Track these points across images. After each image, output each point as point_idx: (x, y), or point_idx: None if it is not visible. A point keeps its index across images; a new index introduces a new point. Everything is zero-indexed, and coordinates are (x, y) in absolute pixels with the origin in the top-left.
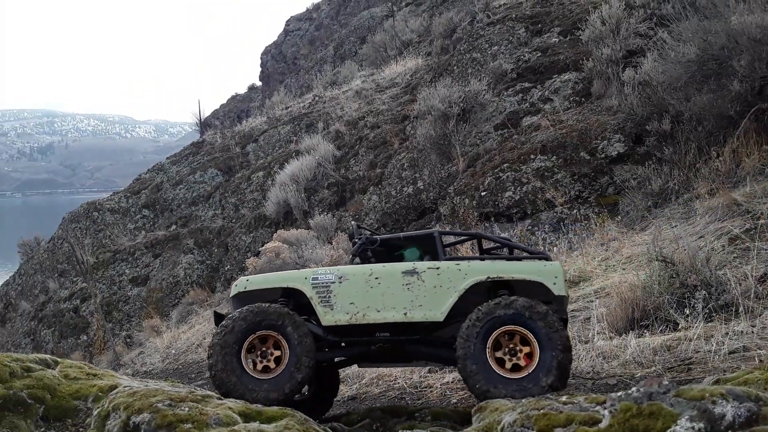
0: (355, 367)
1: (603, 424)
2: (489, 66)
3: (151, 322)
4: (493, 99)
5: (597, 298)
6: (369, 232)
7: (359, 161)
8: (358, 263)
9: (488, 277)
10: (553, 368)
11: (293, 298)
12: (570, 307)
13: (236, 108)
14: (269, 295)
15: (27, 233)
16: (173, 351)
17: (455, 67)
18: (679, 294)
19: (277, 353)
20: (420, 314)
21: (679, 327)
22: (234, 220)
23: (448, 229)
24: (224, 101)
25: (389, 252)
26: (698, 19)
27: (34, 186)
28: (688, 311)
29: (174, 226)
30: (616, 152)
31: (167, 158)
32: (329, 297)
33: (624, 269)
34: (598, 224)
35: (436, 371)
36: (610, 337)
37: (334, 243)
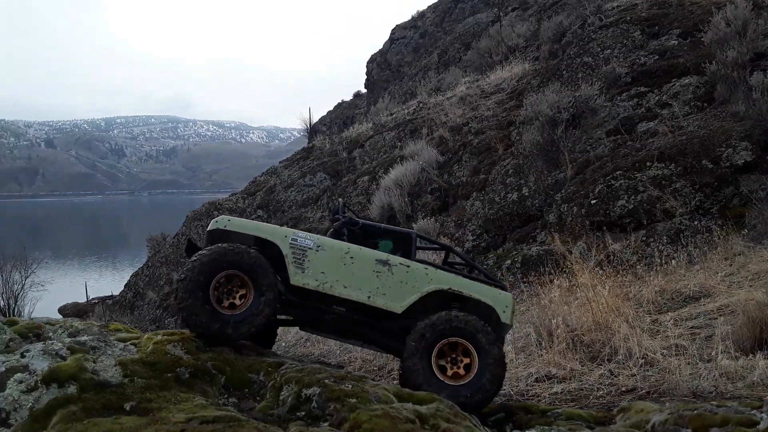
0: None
1: (762, 426)
2: (601, 70)
3: None
4: (605, 104)
5: (720, 316)
6: (352, 214)
7: (462, 167)
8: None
9: (450, 288)
10: (482, 388)
11: (265, 250)
12: (689, 323)
13: (342, 114)
14: (242, 240)
15: (154, 229)
16: (283, 344)
17: (564, 72)
18: None
19: (242, 292)
20: (382, 302)
21: None
22: None
23: (424, 234)
24: (331, 108)
25: (365, 237)
26: None
27: (159, 186)
28: None
29: (285, 227)
30: (742, 161)
31: (280, 162)
32: (303, 260)
33: (751, 286)
34: (721, 237)
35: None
36: (736, 357)
37: None
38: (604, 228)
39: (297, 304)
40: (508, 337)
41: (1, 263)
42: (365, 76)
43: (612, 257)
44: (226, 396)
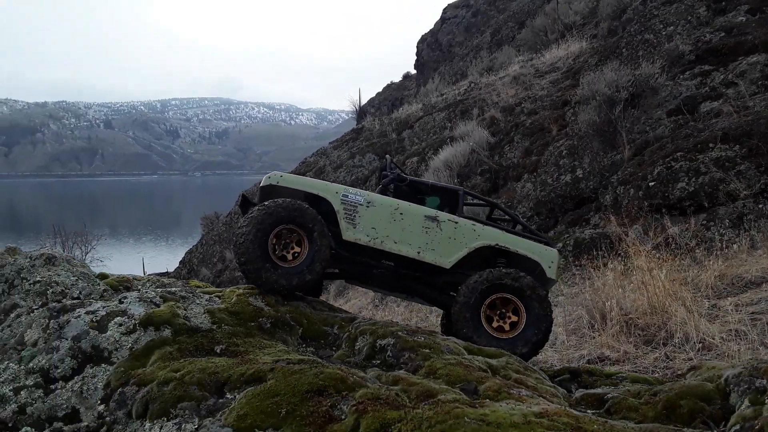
0: None
1: None
2: (663, 48)
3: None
4: (666, 83)
5: None
6: (399, 170)
7: (514, 148)
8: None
9: (497, 244)
10: (529, 343)
11: (315, 205)
12: (750, 308)
13: (391, 96)
14: (294, 195)
15: (207, 208)
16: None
17: (624, 50)
18: None
19: (297, 249)
20: (431, 257)
21: None
22: None
23: (470, 191)
24: (380, 89)
25: (412, 194)
26: None
27: (211, 167)
28: None
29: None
30: None
31: (330, 143)
32: (354, 216)
33: None
34: None
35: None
36: None
37: None
38: (663, 211)
39: (347, 258)
40: (559, 318)
41: (63, 239)
42: (415, 57)
43: (670, 241)
44: (303, 346)
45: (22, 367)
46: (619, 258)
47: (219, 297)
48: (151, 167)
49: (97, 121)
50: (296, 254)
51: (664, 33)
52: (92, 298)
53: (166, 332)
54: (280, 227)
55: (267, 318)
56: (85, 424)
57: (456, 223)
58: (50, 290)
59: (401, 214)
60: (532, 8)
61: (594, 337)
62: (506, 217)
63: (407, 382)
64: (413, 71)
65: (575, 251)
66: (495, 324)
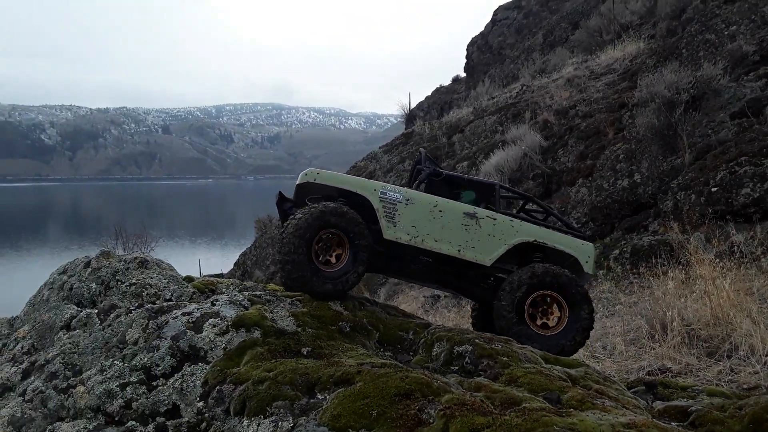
0: None
1: None
2: (726, 48)
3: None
4: (729, 84)
5: None
6: (434, 164)
7: (568, 152)
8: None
9: (535, 240)
10: (574, 337)
11: (351, 201)
12: None
13: (440, 100)
14: (330, 192)
15: (260, 211)
16: None
17: (684, 50)
18: None
19: (339, 251)
20: (471, 255)
21: None
22: None
23: (506, 185)
24: (429, 93)
25: (448, 188)
26: None
27: (263, 171)
28: None
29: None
30: None
31: (380, 147)
32: (394, 214)
33: None
34: None
35: None
36: None
37: None
38: (727, 217)
39: (386, 254)
40: (617, 328)
41: (125, 240)
42: (464, 60)
43: (734, 249)
44: (381, 350)
45: (126, 364)
46: (680, 266)
47: (300, 301)
48: (205, 171)
49: (156, 127)
50: (339, 257)
51: (726, 33)
52: (183, 300)
53: (256, 334)
54: (324, 231)
55: (346, 322)
56: (186, 419)
57: (494, 219)
58: (145, 292)
59: (440, 211)
60: (586, 8)
61: (654, 348)
62: (540, 210)
63: (490, 389)
64: (463, 74)
65: (633, 258)
66: (539, 321)
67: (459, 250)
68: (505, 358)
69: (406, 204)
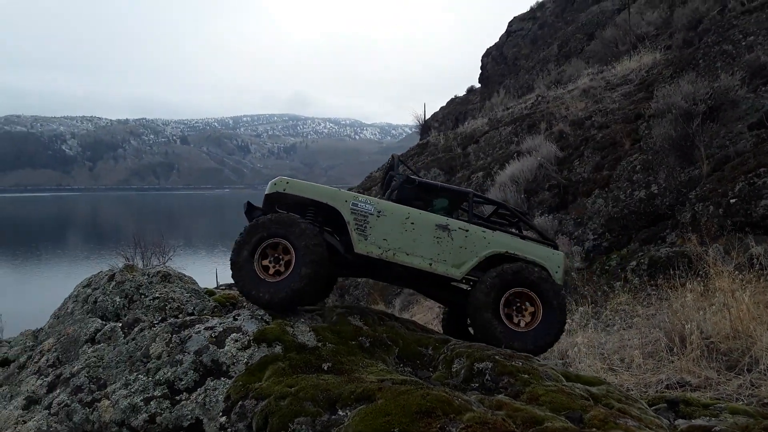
0: None
1: None
2: (743, 59)
3: (377, 307)
4: (747, 95)
5: None
6: (408, 170)
7: (584, 162)
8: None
9: (507, 252)
10: (551, 332)
11: (323, 211)
12: None
13: (455, 110)
14: (303, 201)
15: None
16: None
17: (701, 61)
18: None
19: (288, 258)
20: (442, 268)
21: None
22: None
23: (479, 193)
24: (443, 104)
25: (420, 194)
26: None
27: None
28: None
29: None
30: None
31: None
32: (365, 227)
33: None
34: None
35: None
36: None
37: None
38: (746, 229)
39: (358, 265)
40: (635, 341)
41: (143, 249)
42: (479, 71)
43: (754, 261)
44: (401, 365)
45: (150, 378)
46: (699, 278)
47: (320, 315)
48: (223, 181)
49: (174, 137)
50: (287, 265)
51: (743, 43)
52: (205, 314)
53: (278, 348)
54: (268, 241)
55: (366, 337)
56: None
57: (466, 231)
58: (168, 306)
59: (413, 223)
60: (601, 19)
61: (672, 361)
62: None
63: (511, 408)
64: (477, 85)
65: (650, 270)
66: (515, 319)
67: (430, 264)
68: (526, 376)
69: (378, 216)
